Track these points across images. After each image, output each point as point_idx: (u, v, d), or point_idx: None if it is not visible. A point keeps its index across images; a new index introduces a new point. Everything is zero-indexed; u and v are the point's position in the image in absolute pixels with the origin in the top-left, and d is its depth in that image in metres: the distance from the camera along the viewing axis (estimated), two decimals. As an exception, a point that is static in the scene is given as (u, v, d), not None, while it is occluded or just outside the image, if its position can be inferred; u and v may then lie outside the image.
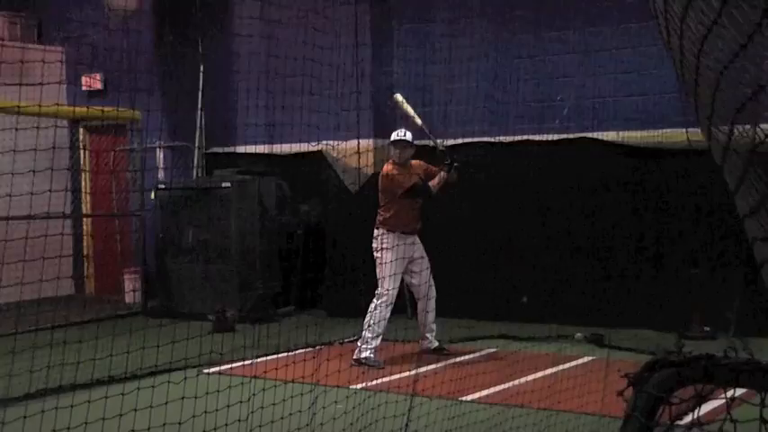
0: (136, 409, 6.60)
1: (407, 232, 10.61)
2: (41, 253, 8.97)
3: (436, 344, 10.99)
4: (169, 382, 7.12)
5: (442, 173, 10.63)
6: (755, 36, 1.87)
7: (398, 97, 11.17)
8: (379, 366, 10.21)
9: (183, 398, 6.83)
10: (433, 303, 10.81)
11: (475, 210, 13.17)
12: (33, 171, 8.31)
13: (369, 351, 10.40)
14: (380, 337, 10.48)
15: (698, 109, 2.55)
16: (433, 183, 10.59)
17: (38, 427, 6.42)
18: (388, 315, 10.47)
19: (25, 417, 6.51)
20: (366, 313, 10.46)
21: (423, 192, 10.59)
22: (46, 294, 10.17)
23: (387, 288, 10.42)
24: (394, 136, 10.77)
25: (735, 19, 1.92)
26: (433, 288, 10.80)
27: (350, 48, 13.26)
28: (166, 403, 6.81)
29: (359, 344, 10.49)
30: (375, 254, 10.61)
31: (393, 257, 10.40)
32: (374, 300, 10.46)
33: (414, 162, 10.85)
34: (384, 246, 10.47)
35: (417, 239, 10.77)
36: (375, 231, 10.64)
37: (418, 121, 10.91)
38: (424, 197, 10.67)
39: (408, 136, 10.69)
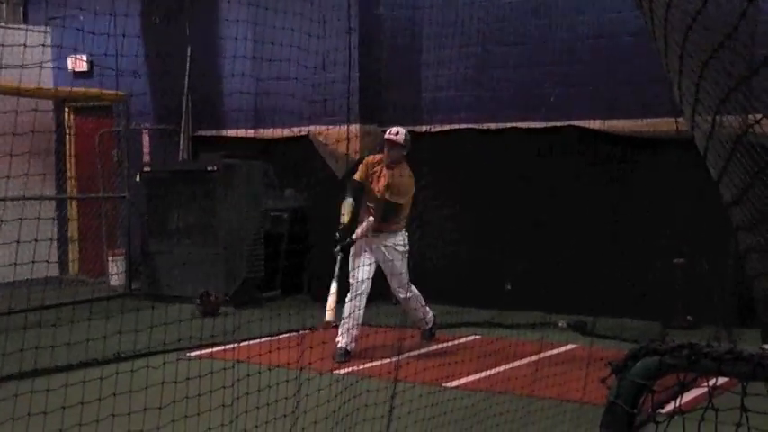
0: (115, 394, 6.59)
1: (375, 230, 10.33)
2: (26, 234, 8.94)
3: (429, 326, 10.92)
4: (150, 366, 7.11)
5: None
6: (739, 27, 1.88)
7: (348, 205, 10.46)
8: (340, 360, 10.01)
9: (163, 382, 6.81)
10: (406, 290, 10.59)
11: (460, 197, 13.18)
12: (30, 153, 8.28)
13: (345, 342, 10.23)
14: (357, 329, 10.29)
15: (681, 98, 2.56)
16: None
17: (25, 408, 6.40)
18: (363, 305, 10.27)
19: (17, 395, 6.48)
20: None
21: (348, 188, 10.43)
22: (30, 276, 10.14)
23: (357, 279, 10.23)
24: (387, 134, 10.45)
25: (719, 8, 1.93)
26: (408, 279, 10.59)
27: (338, 34, 13.25)
28: (147, 388, 6.79)
29: (338, 337, 10.31)
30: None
31: (356, 251, 10.26)
32: (348, 293, 10.29)
33: (405, 168, 10.47)
34: (352, 238, 10.30)
35: (384, 242, 10.42)
36: None
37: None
38: (348, 191, 10.39)
39: (399, 136, 10.31)
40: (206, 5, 15.42)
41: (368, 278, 10.32)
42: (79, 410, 6.33)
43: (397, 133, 10.34)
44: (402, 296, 10.53)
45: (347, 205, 10.22)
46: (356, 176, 10.44)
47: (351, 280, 10.30)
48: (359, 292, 10.22)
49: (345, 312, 10.22)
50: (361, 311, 10.27)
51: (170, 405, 6.62)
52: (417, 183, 10.63)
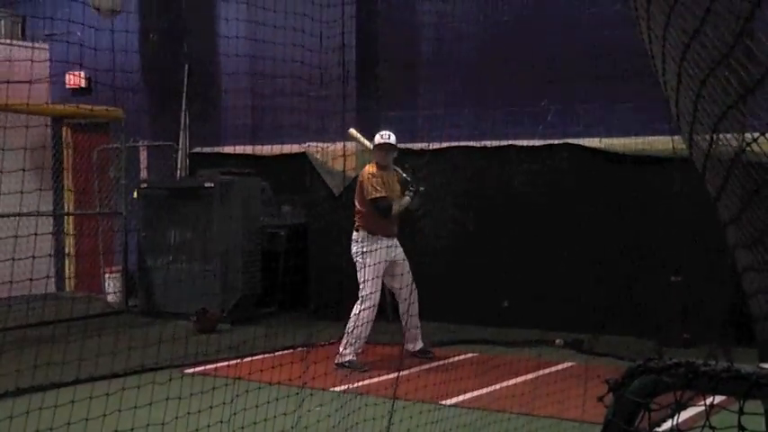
0: (120, 410, 6.57)
1: (387, 235, 10.58)
2: (23, 251, 8.93)
3: (421, 345, 10.99)
4: (153, 382, 7.09)
5: (406, 197, 10.62)
6: (737, 45, 1.88)
7: (353, 132, 11.20)
8: (362, 370, 10.17)
9: (167, 398, 6.80)
10: (416, 307, 10.79)
11: (457, 214, 13.18)
12: (24, 170, 8.28)
13: (351, 355, 10.35)
14: (363, 341, 10.43)
15: (679, 116, 2.56)
16: (394, 208, 10.57)
17: (21, 427, 6.38)
18: (372, 318, 10.41)
19: (12, 417, 6.46)
20: (349, 316, 10.42)
21: (382, 210, 10.52)
22: (27, 293, 10.13)
23: (369, 292, 10.36)
24: (378, 139, 10.72)
25: (717, 27, 1.94)
26: (416, 291, 10.77)
27: (335, 50, 13.26)
28: (150, 404, 6.77)
29: (341, 348, 10.44)
30: (355, 258, 10.55)
31: (374, 261, 10.34)
32: (357, 304, 10.40)
33: (395, 170, 10.83)
34: (365, 249, 10.43)
35: (397, 242, 10.73)
36: (354, 234, 10.60)
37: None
38: (382, 215, 10.57)
39: (392, 139, 10.67)
40: (203, 22, 15.44)
41: (377, 291, 10.50)
42: (80, 427, 6.32)
43: (389, 136, 10.68)
44: (409, 299, 10.70)
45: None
46: (382, 194, 10.55)
47: (361, 293, 10.41)
48: (369, 305, 10.31)
49: (354, 324, 10.29)
50: (369, 327, 10.40)
51: (168, 422, 6.61)
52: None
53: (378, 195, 10.48)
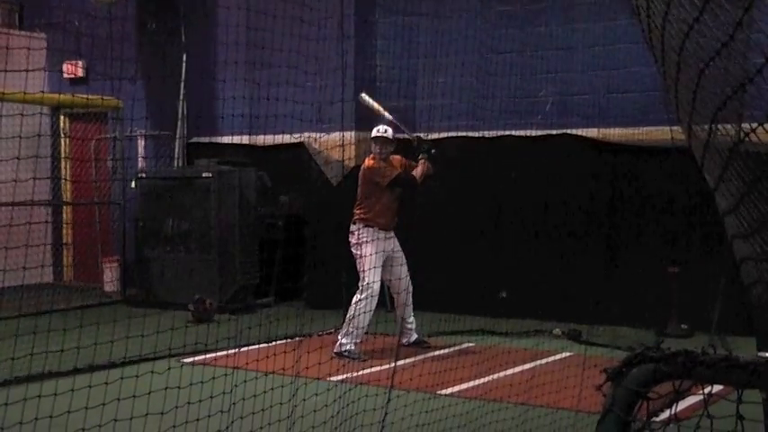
0: (119, 398, 6.56)
1: (384, 228, 10.60)
2: (21, 240, 8.92)
3: (416, 336, 11.02)
4: (151, 372, 7.09)
5: (423, 161, 10.67)
6: (737, 34, 1.88)
7: (364, 97, 11.23)
8: (361, 359, 10.19)
9: (165, 388, 6.80)
10: (410, 297, 10.81)
11: (455, 204, 13.18)
12: (16, 158, 8.27)
13: (351, 344, 10.38)
14: (363, 331, 10.46)
15: (678, 107, 2.56)
16: (417, 172, 10.63)
17: (19, 415, 6.38)
18: (373, 308, 10.43)
19: (6, 404, 6.46)
20: (348, 306, 10.44)
21: (408, 182, 10.66)
22: (25, 282, 10.11)
23: (370, 281, 10.38)
24: (375, 132, 10.79)
25: (717, 16, 1.93)
26: (410, 282, 10.79)
27: (334, 40, 13.24)
28: (149, 393, 6.76)
29: (340, 337, 10.47)
30: (353, 249, 10.59)
31: (373, 250, 10.38)
32: (357, 294, 10.42)
33: (394, 157, 10.90)
34: (363, 240, 10.46)
35: (393, 235, 10.76)
36: (352, 227, 10.64)
37: (387, 116, 10.98)
38: (410, 187, 10.74)
39: (389, 132, 10.75)
40: (202, 10, 15.40)
41: (378, 281, 10.53)
42: (79, 416, 6.32)
43: (386, 131, 10.76)
44: (405, 291, 10.73)
45: None
46: (396, 173, 10.69)
47: (361, 283, 10.44)
48: (370, 294, 10.34)
49: (354, 313, 10.31)
50: (369, 316, 10.41)
51: (164, 412, 6.60)
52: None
53: (393, 174, 10.61)
